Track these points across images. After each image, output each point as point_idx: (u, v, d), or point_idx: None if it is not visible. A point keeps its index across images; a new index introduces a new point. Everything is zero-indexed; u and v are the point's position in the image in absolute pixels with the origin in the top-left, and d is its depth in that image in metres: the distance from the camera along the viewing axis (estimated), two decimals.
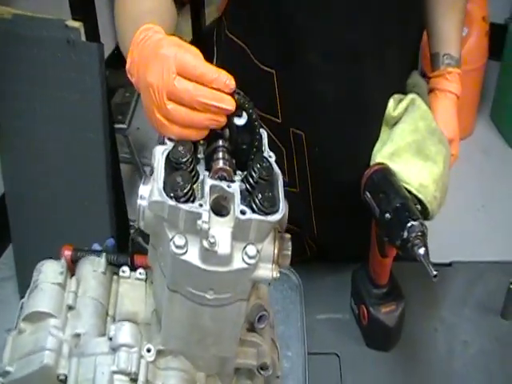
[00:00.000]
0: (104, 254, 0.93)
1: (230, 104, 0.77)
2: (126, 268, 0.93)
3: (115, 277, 0.94)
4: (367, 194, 1.15)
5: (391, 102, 1.22)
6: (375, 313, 1.25)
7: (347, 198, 1.27)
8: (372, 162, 1.22)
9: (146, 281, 0.94)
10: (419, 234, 1.05)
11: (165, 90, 0.78)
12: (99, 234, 1.96)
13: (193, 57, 0.78)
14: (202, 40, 3.50)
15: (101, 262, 0.91)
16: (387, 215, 1.09)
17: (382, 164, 1.17)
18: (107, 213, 1.96)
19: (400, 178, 1.16)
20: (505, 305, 1.35)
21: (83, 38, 1.86)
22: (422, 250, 1.05)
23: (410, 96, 1.24)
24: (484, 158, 2.79)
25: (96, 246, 1.28)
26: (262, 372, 0.93)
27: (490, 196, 2.85)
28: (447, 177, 1.23)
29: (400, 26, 1.21)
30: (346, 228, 1.36)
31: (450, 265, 1.45)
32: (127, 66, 0.88)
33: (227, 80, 0.77)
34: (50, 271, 0.86)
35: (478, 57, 3.08)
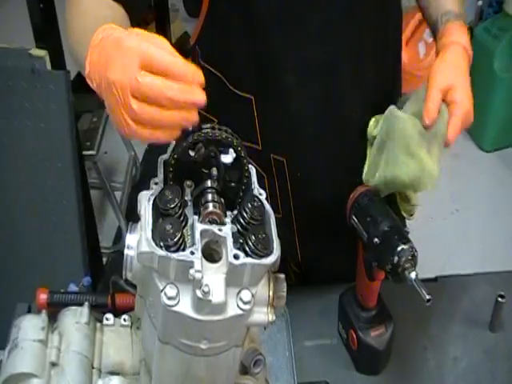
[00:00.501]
0: (86, 304, 0.87)
1: (200, 97, 0.70)
2: (109, 315, 0.89)
3: (98, 324, 0.89)
4: (354, 218, 1.12)
5: (372, 121, 1.19)
6: (364, 337, 1.22)
7: (331, 221, 1.24)
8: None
9: (131, 327, 0.89)
10: (409, 257, 1.03)
11: (128, 88, 0.70)
12: (72, 264, 1.90)
13: (158, 48, 0.71)
14: None
15: (83, 312, 0.86)
16: (376, 240, 1.06)
17: (367, 186, 1.14)
18: (79, 243, 1.90)
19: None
20: (492, 317, 1.34)
21: (48, 67, 1.81)
22: (413, 275, 1.02)
23: (388, 109, 1.19)
24: (455, 162, 2.79)
25: (72, 287, 1.23)
26: None
27: (463, 200, 2.86)
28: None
29: (376, 40, 1.19)
30: (331, 252, 1.33)
31: (435, 280, 1.42)
32: (86, 72, 0.80)
33: (195, 73, 0.71)
34: (29, 327, 0.81)
35: None
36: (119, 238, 2.74)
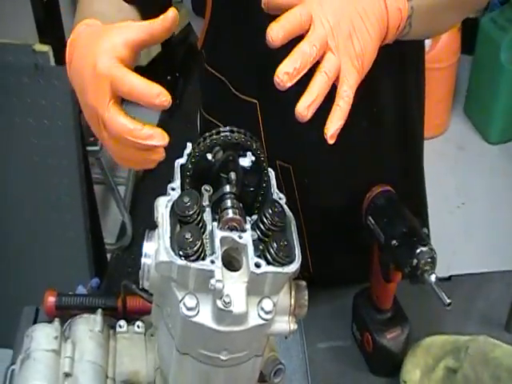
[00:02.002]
0: (99, 311, 0.84)
1: (160, 140, 0.69)
2: (122, 322, 0.86)
3: (111, 331, 0.86)
4: (370, 219, 1.09)
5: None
6: (380, 339, 1.19)
7: (340, 225, 1.22)
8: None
9: (145, 334, 0.86)
10: (429, 260, 1.00)
11: (100, 118, 0.72)
12: (77, 262, 1.88)
13: (127, 76, 0.72)
14: (171, 51, 3.41)
15: (96, 319, 0.84)
16: (393, 242, 1.03)
17: (383, 186, 1.11)
18: (84, 240, 1.88)
19: None
20: (508, 318, 1.31)
21: (52, 62, 1.78)
22: (433, 277, 0.99)
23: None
24: (460, 154, 2.76)
25: (81, 289, 1.20)
26: None
27: (468, 193, 2.83)
28: None
29: (391, 53, 1.15)
30: (341, 255, 1.30)
31: (449, 279, 1.39)
32: (67, 67, 0.82)
33: (162, 97, 0.70)
34: (42, 337, 0.79)
35: (450, 54, 3.05)
36: (123, 233, 2.71)
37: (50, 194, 1.89)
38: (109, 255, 2.59)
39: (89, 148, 2.30)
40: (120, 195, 2.69)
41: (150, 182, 2.81)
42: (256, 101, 1.16)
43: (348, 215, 1.17)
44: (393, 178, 1.22)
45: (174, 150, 0.78)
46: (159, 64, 3.40)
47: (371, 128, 1.19)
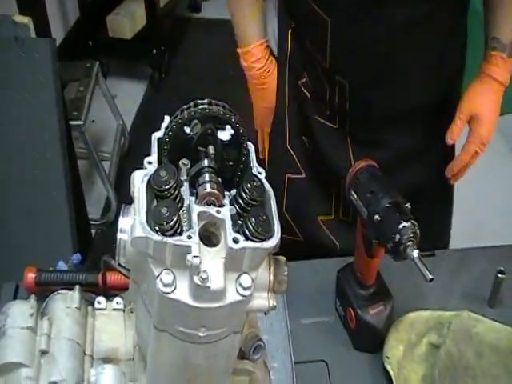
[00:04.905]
0: (77, 287, 0.83)
1: None
2: (101, 299, 0.85)
3: (90, 308, 0.85)
4: (353, 193, 1.07)
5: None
6: (363, 315, 1.19)
7: (381, 131, 1.39)
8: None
9: (124, 310, 0.85)
10: (411, 235, 0.99)
11: None
12: (60, 238, 1.86)
13: None
14: (157, 24, 3.35)
15: (74, 296, 0.82)
16: (376, 216, 1.02)
17: (367, 160, 1.10)
18: (67, 215, 1.86)
19: None
20: (491, 294, 1.31)
21: (33, 34, 1.74)
22: (415, 253, 0.99)
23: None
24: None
25: (61, 265, 1.19)
26: None
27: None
28: None
29: None
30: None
31: (433, 255, 1.39)
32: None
33: None
34: (17, 314, 0.77)
35: None
36: (108, 209, 2.70)
37: (32, 169, 1.87)
38: (94, 231, 2.58)
39: (72, 122, 2.28)
40: (104, 170, 2.66)
41: (135, 157, 2.79)
42: (328, 19, 1.25)
43: (386, 125, 1.37)
44: None
45: (160, 125, 0.76)
46: (145, 37, 3.36)
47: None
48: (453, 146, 1.43)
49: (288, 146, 1.48)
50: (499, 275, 1.27)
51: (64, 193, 1.85)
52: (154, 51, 3.32)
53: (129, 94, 3.31)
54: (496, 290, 1.30)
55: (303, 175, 1.49)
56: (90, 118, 2.55)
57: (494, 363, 1.13)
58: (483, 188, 2.82)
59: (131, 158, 2.97)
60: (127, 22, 3.31)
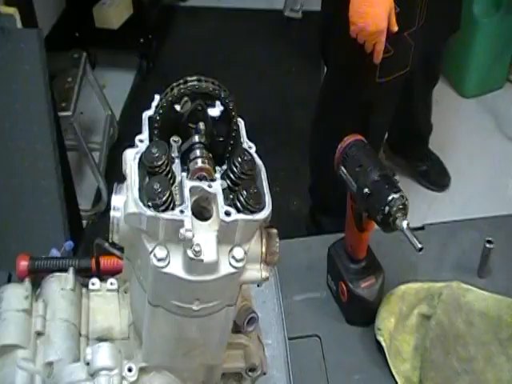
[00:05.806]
0: (71, 269, 0.84)
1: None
2: (95, 280, 0.85)
3: (84, 290, 0.86)
4: (342, 168, 1.09)
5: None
6: (355, 288, 1.20)
7: None
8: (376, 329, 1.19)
9: (118, 291, 0.86)
10: (400, 206, 1.01)
11: None
12: (52, 228, 1.86)
13: None
14: (144, 13, 3.35)
15: (68, 278, 0.83)
16: (365, 190, 1.03)
17: (355, 136, 1.11)
18: (58, 206, 1.86)
19: None
20: (481, 264, 1.33)
21: (19, 25, 1.73)
22: (404, 224, 1.00)
23: None
24: (434, 108, 2.74)
25: (54, 252, 1.19)
26: (250, 374, 0.88)
27: (442, 146, 2.83)
28: None
29: None
30: None
31: (422, 228, 1.41)
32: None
33: None
34: (12, 297, 0.78)
35: None
36: (98, 199, 2.69)
37: (23, 160, 1.87)
38: (85, 222, 2.58)
39: (61, 113, 2.27)
40: (94, 161, 2.66)
41: (125, 147, 2.79)
42: None
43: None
44: None
45: None
46: (132, 27, 3.35)
47: None
48: None
49: None
50: (487, 245, 1.28)
51: (55, 184, 1.85)
52: (142, 40, 3.31)
53: (117, 84, 3.29)
54: (485, 260, 1.31)
55: None
56: (78, 108, 2.55)
57: (484, 331, 1.15)
58: (472, 164, 2.85)
59: (121, 148, 2.96)
60: (113, 11, 3.29)
